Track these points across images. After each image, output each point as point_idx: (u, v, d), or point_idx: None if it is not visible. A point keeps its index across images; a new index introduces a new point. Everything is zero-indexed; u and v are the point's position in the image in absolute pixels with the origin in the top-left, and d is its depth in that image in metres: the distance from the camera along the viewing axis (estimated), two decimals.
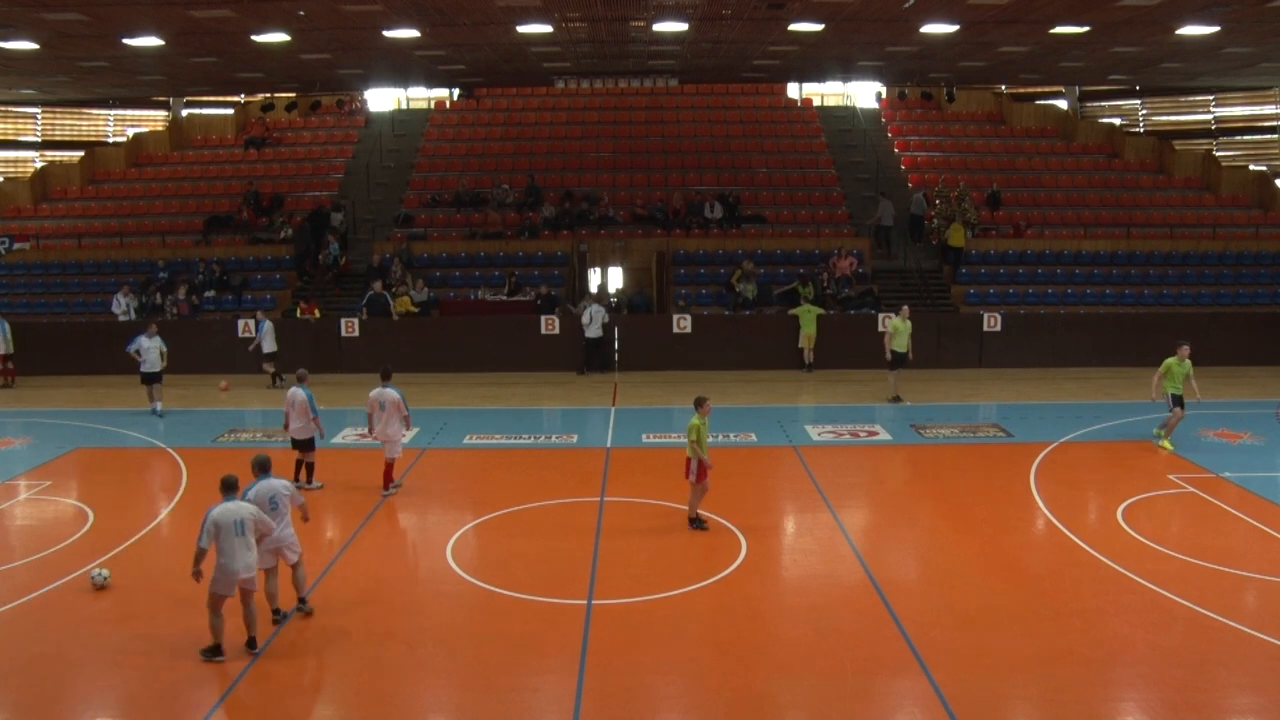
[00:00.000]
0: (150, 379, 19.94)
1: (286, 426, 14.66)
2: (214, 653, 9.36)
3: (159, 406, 19.95)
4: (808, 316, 24.15)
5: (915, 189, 30.42)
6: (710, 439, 13.06)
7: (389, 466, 14.43)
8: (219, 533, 9.24)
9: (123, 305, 25.41)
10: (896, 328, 20.75)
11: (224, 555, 9.23)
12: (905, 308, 21.26)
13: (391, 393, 14.24)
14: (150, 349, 19.87)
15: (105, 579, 11.10)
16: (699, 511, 13.09)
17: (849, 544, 12.43)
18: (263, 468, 10.07)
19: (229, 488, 9.50)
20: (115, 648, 9.68)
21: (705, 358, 24.30)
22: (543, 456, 16.86)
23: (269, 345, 22.74)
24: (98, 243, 29.36)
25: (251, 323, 23.50)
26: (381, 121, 35.24)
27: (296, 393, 14.41)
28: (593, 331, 23.91)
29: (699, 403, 12.88)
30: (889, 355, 20.92)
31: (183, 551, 12.33)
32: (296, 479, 14.46)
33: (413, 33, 20.95)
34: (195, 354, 23.52)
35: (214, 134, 35.06)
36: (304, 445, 14.64)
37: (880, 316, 24.28)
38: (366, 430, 14.88)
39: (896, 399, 20.64)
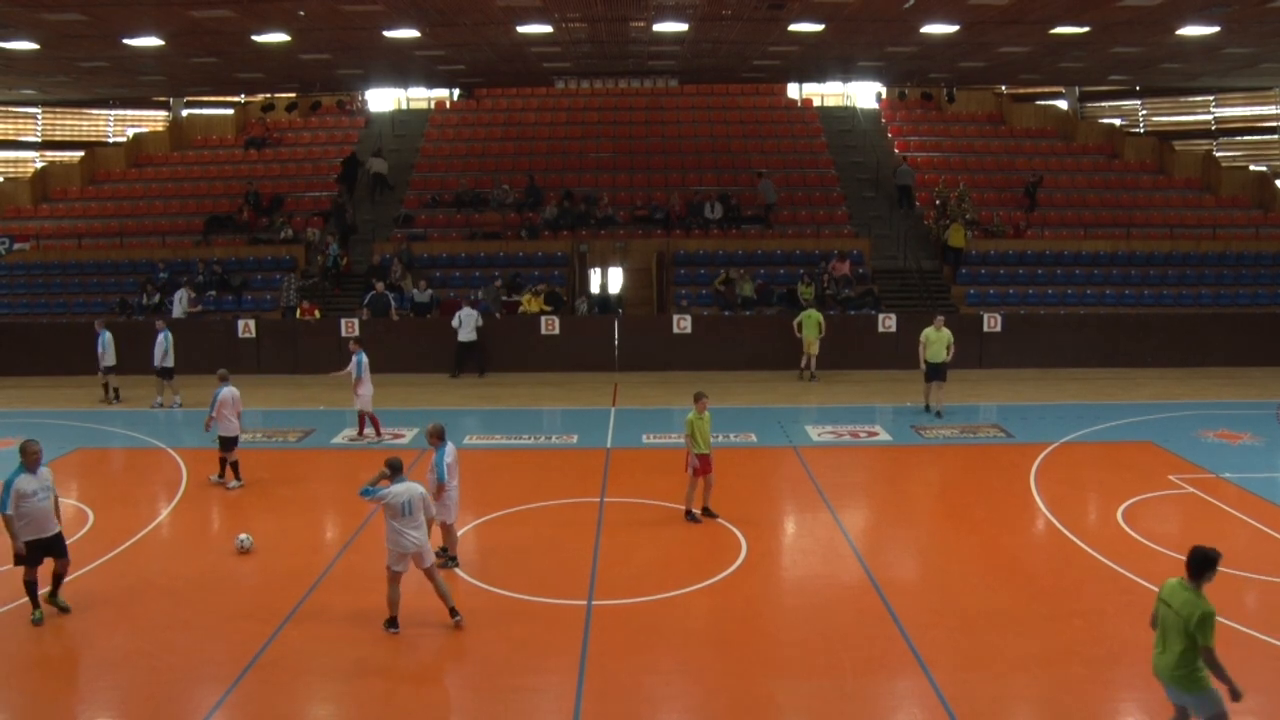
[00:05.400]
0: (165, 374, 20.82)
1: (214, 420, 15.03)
2: (390, 624, 9.90)
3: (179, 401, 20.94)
4: (808, 322, 23.17)
5: (900, 156, 31.34)
6: (710, 439, 13.11)
7: (374, 419, 17.59)
8: (389, 511, 9.66)
9: (177, 305, 25.71)
10: (929, 338, 19.42)
11: (395, 532, 9.67)
12: (940, 318, 19.96)
13: (358, 360, 17.18)
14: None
15: (249, 544, 12.06)
16: (703, 506, 13.27)
17: (849, 544, 12.43)
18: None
19: (396, 469, 9.85)
20: (115, 648, 9.69)
21: (705, 358, 24.29)
22: (542, 457, 16.87)
23: (109, 358, 21.20)
24: (98, 243, 29.35)
25: (105, 335, 21.47)
26: (381, 122, 35.25)
27: (231, 391, 15.03)
28: (464, 335, 23.67)
29: (695, 398, 13.16)
30: (922, 364, 19.47)
31: (183, 552, 12.38)
32: (226, 476, 15.14)
33: (413, 33, 20.96)
34: (195, 354, 23.49)
35: (214, 134, 35.05)
36: (230, 443, 15.01)
37: (878, 318, 24.31)
38: (345, 372, 17.48)
39: (927, 408, 19.61)
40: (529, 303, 25.39)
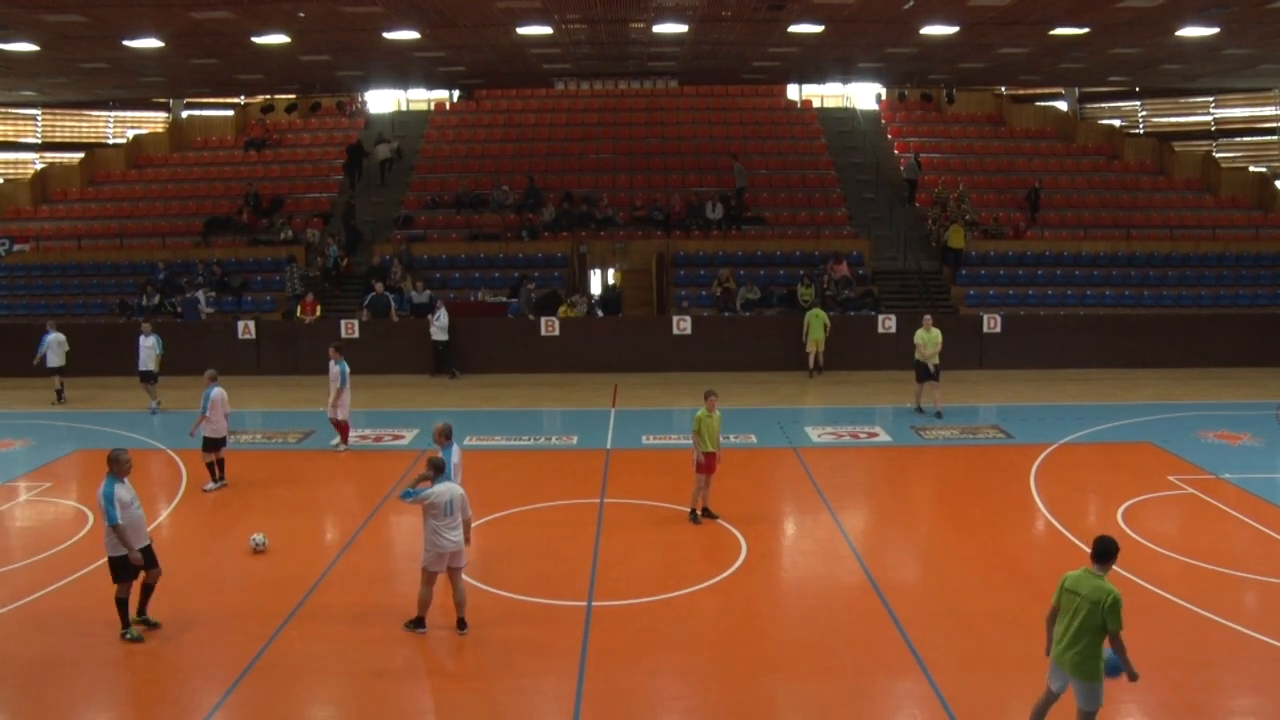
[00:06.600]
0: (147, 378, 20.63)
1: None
2: (417, 624, 9.96)
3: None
4: (814, 322, 23.54)
5: (913, 154, 31.65)
6: (719, 438, 13.14)
7: (347, 426, 17.17)
8: (431, 510, 9.67)
9: (203, 302, 25.91)
10: (922, 339, 19.45)
11: (433, 532, 9.70)
12: (927, 318, 19.97)
13: (342, 369, 16.76)
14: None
15: (263, 544, 12.09)
16: (703, 506, 13.30)
17: (849, 545, 12.43)
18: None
19: (439, 469, 9.92)
20: (115, 649, 9.68)
21: (705, 359, 24.27)
22: (542, 458, 16.86)
23: (55, 359, 21.19)
24: (98, 244, 29.36)
25: (50, 337, 21.40)
26: (381, 123, 35.24)
27: (221, 392, 14.93)
28: (436, 334, 23.81)
29: (705, 395, 13.17)
30: (931, 368, 19.42)
31: (183, 553, 12.36)
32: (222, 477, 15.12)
33: (413, 34, 20.97)
34: (194, 355, 23.47)
35: (214, 135, 35.04)
36: (216, 445, 14.92)
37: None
38: (332, 397, 16.84)
39: (919, 409, 19.70)
40: (565, 312, 25.48)
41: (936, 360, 19.40)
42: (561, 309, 25.54)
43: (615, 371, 24.33)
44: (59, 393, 21.36)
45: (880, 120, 35.31)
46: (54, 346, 21.28)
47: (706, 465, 13.10)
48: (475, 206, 30.08)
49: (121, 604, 9.84)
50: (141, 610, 10.09)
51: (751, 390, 22.15)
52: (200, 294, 26.07)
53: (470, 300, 26.28)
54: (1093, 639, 7.20)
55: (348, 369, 16.93)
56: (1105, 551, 7.42)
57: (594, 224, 29.07)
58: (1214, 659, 9.42)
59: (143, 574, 9.96)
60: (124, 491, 9.77)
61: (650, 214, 29.32)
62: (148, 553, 10.01)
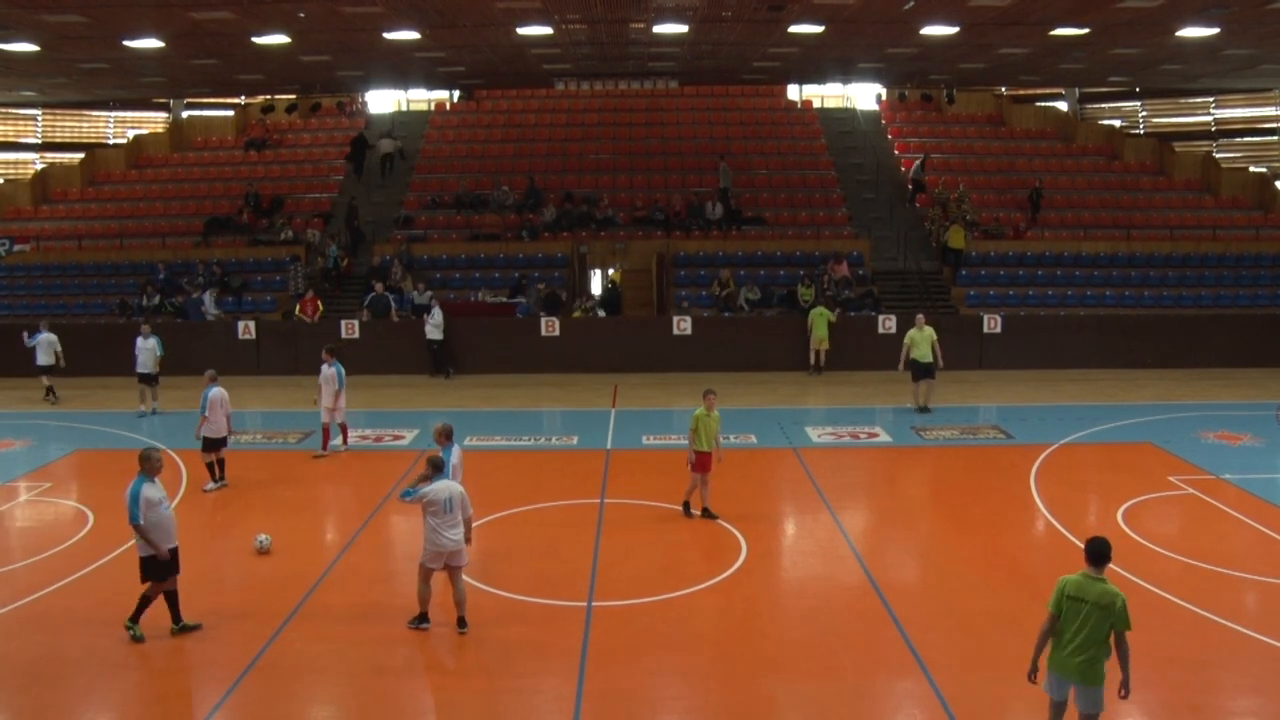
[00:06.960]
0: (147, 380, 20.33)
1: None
2: (420, 620, 10.01)
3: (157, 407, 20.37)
4: (819, 320, 23.82)
5: (910, 155, 31.83)
6: (716, 438, 13.16)
7: (344, 429, 16.97)
8: (430, 508, 9.72)
9: (209, 303, 25.91)
10: (913, 339, 19.70)
11: (432, 530, 9.76)
12: (920, 316, 20.20)
13: (338, 371, 16.55)
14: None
15: (267, 544, 12.06)
16: (703, 507, 13.33)
17: (849, 545, 12.43)
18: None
19: (438, 468, 10.03)
20: (116, 649, 9.67)
21: (705, 359, 24.27)
22: (542, 458, 16.86)
23: (44, 358, 21.19)
24: (98, 244, 29.36)
25: (41, 335, 21.38)
26: (381, 123, 35.22)
27: (220, 392, 14.94)
28: (431, 333, 23.83)
29: (704, 394, 13.24)
30: (901, 366, 19.91)
31: (183, 553, 12.32)
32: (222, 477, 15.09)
33: (413, 35, 20.98)
34: (194, 355, 23.47)
35: (214, 136, 35.03)
36: (216, 445, 14.91)
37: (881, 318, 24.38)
38: (319, 398, 16.67)
39: (922, 409, 19.72)
40: (578, 315, 25.52)
41: (930, 358, 19.52)
42: (576, 313, 25.57)
43: (615, 372, 24.33)
44: (50, 390, 21.33)
45: (880, 120, 35.30)
46: (44, 346, 21.25)
47: (700, 464, 13.14)
48: (475, 207, 30.08)
49: (144, 601, 9.76)
50: (177, 619, 9.94)
51: (751, 390, 22.15)
52: (207, 295, 26.03)
53: (476, 301, 26.27)
54: (1102, 645, 7.19)
55: (343, 370, 16.77)
56: (1100, 554, 7.33)
57: (594, 224, 29.07)
58: (1214, 659, 9.41)
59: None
60: (153, 491, 9.71)
61: (650, 214, 29.32)
62: (173, 555, 9.91)
